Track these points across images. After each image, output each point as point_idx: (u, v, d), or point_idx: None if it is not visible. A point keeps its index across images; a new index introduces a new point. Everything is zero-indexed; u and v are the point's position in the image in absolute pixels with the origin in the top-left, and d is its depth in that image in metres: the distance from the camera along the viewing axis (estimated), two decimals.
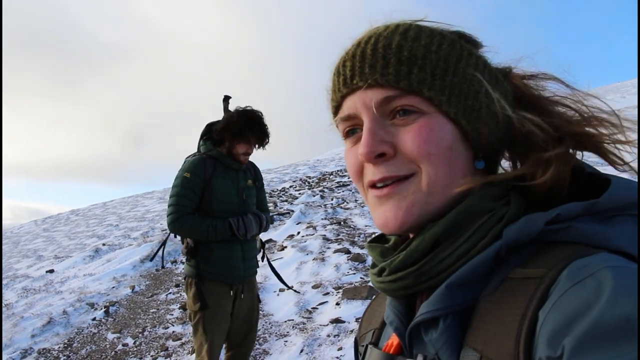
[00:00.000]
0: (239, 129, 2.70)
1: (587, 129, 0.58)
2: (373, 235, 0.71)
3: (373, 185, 0.59)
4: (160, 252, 3.33)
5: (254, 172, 3.02)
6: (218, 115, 2.93)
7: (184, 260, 7.65)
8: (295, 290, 3.24)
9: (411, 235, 0.60)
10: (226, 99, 2.86)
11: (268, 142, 2.84)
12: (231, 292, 2.78)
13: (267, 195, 2.98)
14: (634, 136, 0.58)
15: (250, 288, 2.91)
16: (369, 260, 6.15)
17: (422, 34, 0.58)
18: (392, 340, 0.63)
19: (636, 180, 0.54)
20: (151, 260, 3.36)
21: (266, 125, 2.79)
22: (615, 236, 0.49)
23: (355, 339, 0.78)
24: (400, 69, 0.55)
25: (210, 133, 2.85)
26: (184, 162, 2.84)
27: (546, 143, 0.56)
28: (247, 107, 2.78)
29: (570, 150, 0.57)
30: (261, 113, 2.79)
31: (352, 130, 0.62)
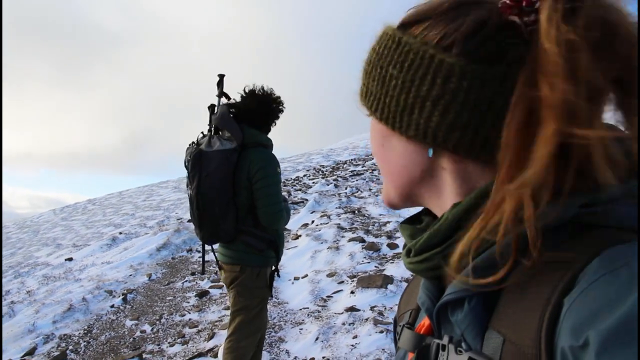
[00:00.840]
0: (278, 114, 2.82)
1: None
2: (407, 217, 0.72)
3: None
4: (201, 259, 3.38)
5: None
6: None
7: (199, 249, 7.64)
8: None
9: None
10: (221, 77, 2.79)
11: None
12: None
13: (282, 184, 3.04)
14: None
15: None
16: (384, 249, 6.15)
17: (377, 40, 0.60)
18: (424, 321, 0.63)
19: None
20: (202, 272, 3.45)
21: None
22: None
23: (395, 318, 0.78)
24: (361, 85, 0.63)
25: (248, 119, 2.73)
26: (258, 152, 2.67)
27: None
28: (258, 90, 2.77)
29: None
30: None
31: None
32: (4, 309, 5.88)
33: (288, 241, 7.15)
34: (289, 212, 2.91)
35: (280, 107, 2.80)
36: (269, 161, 2.64)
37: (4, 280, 7.97)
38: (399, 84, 0.55)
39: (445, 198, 0.59)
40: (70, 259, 8.56)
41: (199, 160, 2.55)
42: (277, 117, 2.81)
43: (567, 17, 0.43)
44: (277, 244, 2.78)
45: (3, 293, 6.98)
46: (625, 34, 0.45)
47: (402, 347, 0.65)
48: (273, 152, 2.81)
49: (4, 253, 11.63)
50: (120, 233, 10.08)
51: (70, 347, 4.72)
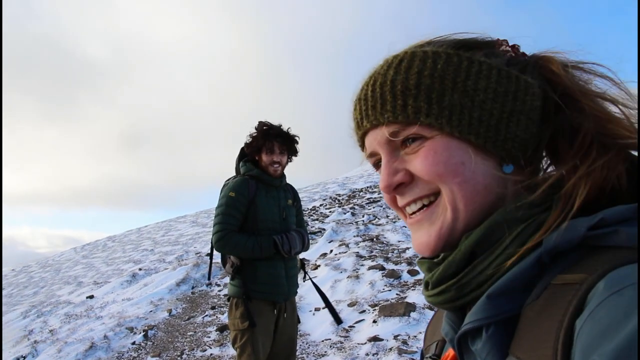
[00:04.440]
0: (261, 141, 2.82)
1: (632, 131, 0.54)
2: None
3: (403, 215, 0.64)
4: (209, 267, 3.49)
5: (292, 193, 3.09)
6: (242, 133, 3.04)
7: (219, 282, 7.61)
8: (336, 318, 3.16)
9: None
10: (260, 125, 2.93)
11: (295, 147, 2.91)
12: (274, 310, 2.79)
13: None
14: None
15: (292, 307, 2.92)
16: (404, 275, 6.06)
17: (415, 61, 0.59)
18: (449, 351, 0.63)
19: None
20: (208, 278, 3.55)
21: (287, 131, 2.88)
22: None
23: (421, 351, 0.78)
24: (396, 104, 0.58)
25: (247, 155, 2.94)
26: (225, 184, 2.92)
27: (585, 146, 0.54)
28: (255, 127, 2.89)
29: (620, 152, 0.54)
30: (280, 124, 2.90)
31: (379, 163, 0.66)
32: (27, 349, 5.89)
33: (307, 272, 7.09)
34: (302, 238, 2.92)
35: (251, 136, 2.89)
36: (224, 188, 2.86)
37: (27, 319, 8.02)
38: (495, 97, 0.57)
39: None
40: (91, 297, 8.60)
41: None
42: (252, 146, 2.87)
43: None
44: (242, 270, 2.74)
45: (27, 332, 7.01)
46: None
47: None
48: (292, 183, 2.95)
49: (27, 292, 11.74)
50: (140, 269, 10.13)
51: None
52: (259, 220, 2.78)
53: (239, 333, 2.69)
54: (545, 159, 0.62)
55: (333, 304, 5.43)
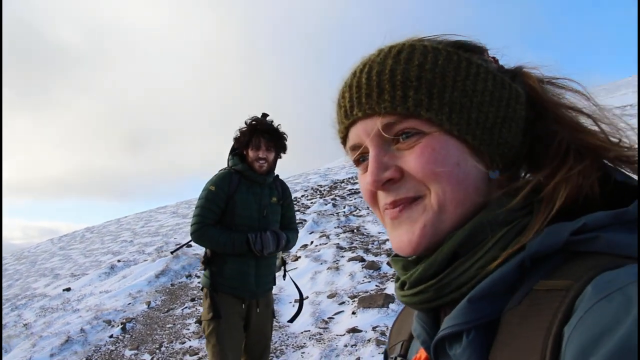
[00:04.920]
0: (248, 136, 2.80)
1: (606, 142, 0.56)
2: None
3: (386, 208, 0.60)
4: (182, 246, 3.53)
5: (282, 190, 3.04)
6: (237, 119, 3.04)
7: (198, 274, 7.61)
8: (294, 316, 3.17)
9: None
10: (264, 116, 2.91)
11: (284, 144, 2.89)
12: (243, 305, 2.79)
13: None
14: None
15: (266, 302, 2.91)
16: (384, 267, 6.10)
17: (415, 53, 0.57)
18: (419, 354, 0.62)
19: None
20: (172, 253, 3.56)
21: (276, 127, 2.86)
22: None
23: (385, 350, 0.77)
24: (395, 95, 0.55)
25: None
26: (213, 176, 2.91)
27: (561, 153, 0.55)
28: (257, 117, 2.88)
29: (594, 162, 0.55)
30: (266, 115, 2.89)
31: (362, 158, 0.62)
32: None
33: (288, 263, 7.09)
34: (292, 240, 2.93)
35: (240, 130, 2.88)
36: (207, 182, 2.88)
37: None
38: (492, 100, 0.57)
39: None
40: (68, 289, 8.46)
41: None
42: (240, 141, 2.87)
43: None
44: (212, 262, 2.79)
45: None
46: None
47: None
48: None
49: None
50: (119, 261, 9.99)
51: None
52: (236, 216, 2.77)
53: (206, 323, 2.74)
54: (522, 166, 0.63)
55: (312, 295, 5.46)
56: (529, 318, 0.46)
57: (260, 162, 2.80)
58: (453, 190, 0.55)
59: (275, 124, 2.88)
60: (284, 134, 2.89)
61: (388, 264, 6.17)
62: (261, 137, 2.79)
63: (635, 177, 0.56)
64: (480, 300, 0.50)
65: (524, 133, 0.60)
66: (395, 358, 0.68)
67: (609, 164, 0.56)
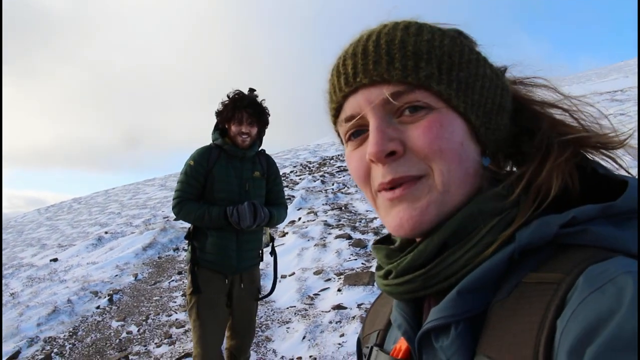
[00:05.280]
0: (230, 111, 2.77)
1: (583, 132, 0.57)
2: (379, 237, 0.69)
3: (383, 189, 0.56)
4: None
5: (267, 165, 3.00)
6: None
7: (186, 247, 7.65)
8: (270, 292, 3.17)
9: (417, 239, 0.59)
10: (251, 91, 2.87)
11: (266, 118, 2.86)
12: (226, 281, 2.80)
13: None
14: (633, 142, 0.57)
15: (251, 278, 2.91)
16: (370, 245, 6.17)
17: (424, 29, 0.56)
18: (399, 344, 0.61)
19: None
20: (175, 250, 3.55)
21: (259, 102, 2.82)
22: (632, 240, 0.47)
23: (358, 339, 0.76)
24: (407, 64, 0.54)
25: None
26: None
27: (544, 145, 0.57)
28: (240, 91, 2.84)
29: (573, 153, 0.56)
30: (252, 90, 2.85)
31: (355, 132, 0.59)
32: None
33: (275, 239, 7.14)
34: (277, 215, 2.91)
35: (222, 104, 2.86)
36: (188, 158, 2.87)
37: None
38: (490, 86, 0.58)
39: None
40: (55, 260, 8.46)
41: None
42: (221, 115, 2.84)
43: None
44: (194, 237, 2.82)
45: None
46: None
47: None
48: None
49: None
50: (106, 232, 9.98)
51: (55, 350, 4.67)
52: (215, 190, 2.76)
53: (188, 298, 2.77)
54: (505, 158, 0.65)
55: (299, 271, 5.52)
56: (518, 311, 0.46)
57: (243, 136, 2.78)
58: (457, 170, 0.54)
59: (259, 99, 2.84)
60: (267, 108, 2.86)
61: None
62: (244, 111, 2.75)
63: (614, 165, 0.57)
64: (469, 292, 0.50)
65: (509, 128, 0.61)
66: (371, 347, 0.67)
67: (590, 154, 0.57)
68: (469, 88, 0.55)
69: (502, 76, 0.61)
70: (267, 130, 2.95)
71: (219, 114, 2.84)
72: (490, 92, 0.58)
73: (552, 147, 0.56)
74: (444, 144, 0.53)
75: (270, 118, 2.90)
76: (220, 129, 2.87)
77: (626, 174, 0.55)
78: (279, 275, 5.66)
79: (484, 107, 0.57)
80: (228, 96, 2.82)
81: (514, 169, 0.63)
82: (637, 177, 0.53)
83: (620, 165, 0.57)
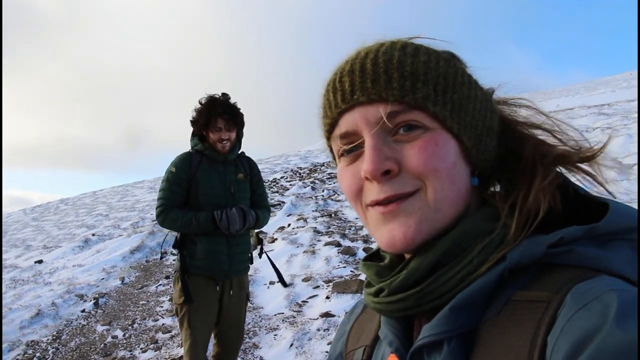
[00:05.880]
0: (205, 118, 2.75)
1: (565, 150, 0.60)
2: (368, 250, 0.69)
3: (376, 204, 0.57)
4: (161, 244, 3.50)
5: (249, 167, 3.00)
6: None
7: (174, 252, 7.60)
8: (284, 284, 3.21)
9: (407, 256, 0.59)
10: (224, 96, 2.85)
11: (242, 120, 2.85)
12: (217, 287, 2.78)
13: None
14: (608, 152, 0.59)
15: (240, 285, 2.90)
16: (360, 253, 6.17)
17: (420, 51, 0.57)
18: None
19: (633, 205, 0.55)
20: (161, 258, 3.53)
21: (232, 104, 2.80)
22: (615, 260, 0.49)
23: (340, 353, 0.75)
24: (404, 84, 0.55)
25: None
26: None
27: (530, 165, 0.59)
28: (213, 94, 2.81)
29: (556, 172, 0.59)
30: (225, 95, 2.82)
31: (349, 149, 0.60)
32: None
33: (264, 245, 7.12)
34: (262, 217, 2.90)
35: (196, 111, 2.81)
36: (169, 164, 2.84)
37: None
38: (481, 108, 0.60)
39: None
40: (40, 262, 8.33)
41: None
42: (197, 123, 2.81)
43: None
44: (182, 244, 2.76)
45: None
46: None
47: None
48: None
49: None
50: (94, 234, 9.86)
51: (38, 354, 4.60)
52: (200, 195, 2.74)
53: (178, 307, 2.72)
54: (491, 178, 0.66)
55: (287, 279, 5.50)
56: (510, 328, 0.48)
57: (224, 142, 2.77)
58: (450, 189, 0.55)
59: (232, 101, 2.82)
60: (240, 109, 2.84)
61: (364, 249, 6.25)
62: (219, 118, 2.73)
63: (593, 183, 0.59)
64: (461, 310, 0.51)
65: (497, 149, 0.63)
66: None
67: (572, 171, 0.60)
68: (462, 110, 0.57)
69: (490, 98, 0.63)
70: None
71: (194, 122, 2.81)
72: (481, 114, 0.59)
73: (537, 170, 0.57)
74: (439, 163, 0.54)
75: (244, 118, 2.88)
76: (198, 135, 2.86)
77: (604, 191, 0.58)
78: (267, 282, 5.65)
79: (475, 128, 0.58)
80: (200, 102, 2.79)
81: (497, 188, 0.65)
82: (624, 190, 0.55)
83: (601, 184, 0.59)
